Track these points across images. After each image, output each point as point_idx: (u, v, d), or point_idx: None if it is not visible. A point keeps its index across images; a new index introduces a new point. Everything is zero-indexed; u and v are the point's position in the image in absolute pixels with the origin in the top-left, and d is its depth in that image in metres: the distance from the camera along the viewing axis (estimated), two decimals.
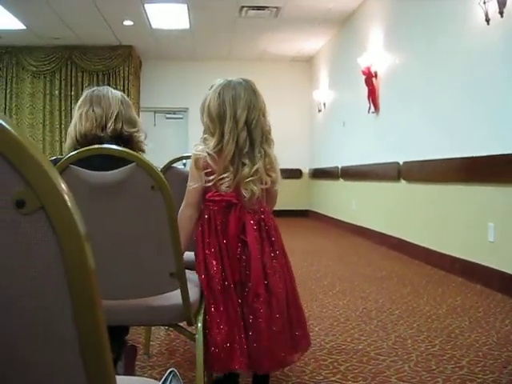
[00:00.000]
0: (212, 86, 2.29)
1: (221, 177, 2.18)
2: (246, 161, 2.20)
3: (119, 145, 2.07)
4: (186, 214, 2.22)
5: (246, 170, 2.19)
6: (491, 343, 3.18)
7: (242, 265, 2.18)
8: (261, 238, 2.22)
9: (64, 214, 0.59)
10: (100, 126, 2.40)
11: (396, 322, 3.62)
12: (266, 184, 2.24)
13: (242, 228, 2.19)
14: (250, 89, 2.27)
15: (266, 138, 2.29)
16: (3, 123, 0.57)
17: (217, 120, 2.20)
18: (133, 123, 2.49)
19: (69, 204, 0.60)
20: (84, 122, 2.43)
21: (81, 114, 2.45)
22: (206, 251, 2.17)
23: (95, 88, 2.56)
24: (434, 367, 2.80)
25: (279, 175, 2.33)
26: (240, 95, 2.21)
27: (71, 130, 2.47)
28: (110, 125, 2.40)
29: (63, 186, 0.60)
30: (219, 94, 2.22)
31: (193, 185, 2.21)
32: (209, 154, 2.18)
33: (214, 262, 2.14)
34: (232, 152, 2.18)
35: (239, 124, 2.18)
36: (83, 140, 2.40)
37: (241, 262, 2.18)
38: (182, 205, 2.24)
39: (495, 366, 2.81)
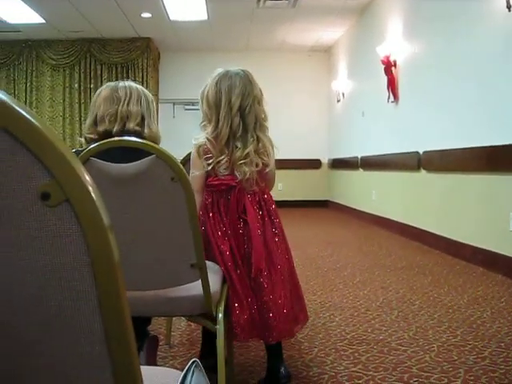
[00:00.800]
0: (212, 76, 2.47)
1: (218, 160, 2.33)
2: (239, 144, 2.35)
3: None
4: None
5: (238, 153, 2.33)
6: None
7: (245, 243, 2.35)
8: (262, 217, 2.40)
9: (89, 206, 0.60)
10: (120, 124, 2.43)
11: (417, 313, 3.61)
12: (257, 166, 2.36)
13: (242, 209, 2.35)
14: (245, 78, 2.42)
15: (260, 124, 2.41)
16: (29, 117, 0.57)
17: (213, 107, 2.36)
18: (154, 129, 2.54)
19: (93, 196, 0.60)
20: (104, 119, 2.45)
21: (101, 111, 2.47)
22: (217, 233, 2.34)
23: (119, 84, 2.57)
24: (456, 358, 2.79)
25: (272, 159, 2.43)
26: (235, 84, 2.37)
27: (88, 127, 2.50)
28: (131, 125, 2.44)
29: (88, 178, 0.60)
30: (216, 83, 2.39)
31: (195, 172, 2.37)
32: (208, 139, 2.34)
33: (224, 242, 2.32)
34: (227, 136, 2.33)
35: (233, 110, 2.33)
36: (103, 138, 2.41)
37: (244, 240, 2.35)
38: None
39: None
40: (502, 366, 2.66)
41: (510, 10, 4.60)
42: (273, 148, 2.46)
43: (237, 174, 2.35)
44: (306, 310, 2.63)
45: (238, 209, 2.35)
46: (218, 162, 2.34)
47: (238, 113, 2.35)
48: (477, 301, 3.89)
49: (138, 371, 0.68)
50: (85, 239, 0.60)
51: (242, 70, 2.46)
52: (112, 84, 2.57)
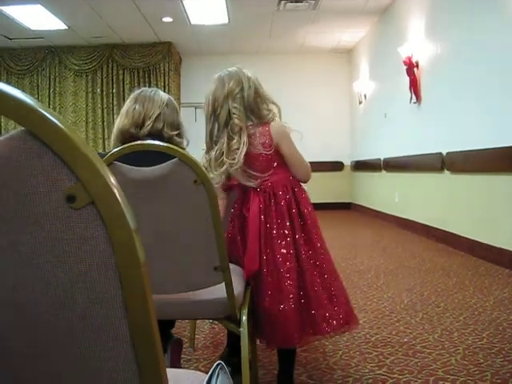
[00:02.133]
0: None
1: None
2: (215, 146, 2.34)
3: None
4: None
5: (212, 154, 2.33)
6: None
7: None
8: (267, 214, 2.30)
9: (114, 209, 0.60)
10: (137, 124, 2.44)
11: (442, 315, 3.57)
12: (231, 166, 2.29)
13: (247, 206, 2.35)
14: (218, 80, 2.35)
15: (232, 122, 2.31)
16: (55, 121, 0.57)
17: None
18: (175, 126, 2.53)
19: (119, 198, 0.60)
20: (123, 119, 2.48)
21: (122, 112, 2.51)
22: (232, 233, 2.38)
23: (145, 88, 2.61)
24: (482, 361, 2.75)
25: (238, 158, 2.27)
26: (210, 90, 2.37)
27: (114, 129, 2.53)
28: (148, 123, 2.43)
29: (113, 180, 0.60)
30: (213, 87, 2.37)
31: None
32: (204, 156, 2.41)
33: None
34: (209, 145, 2.37)
35: (209, 118, 2.38)
36: (122, 137, 2.45)
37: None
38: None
39: None
40: None
41: None
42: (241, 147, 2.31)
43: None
44: (341, 316, 2.30)
45: (243, 207, 2.36)
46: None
47: (211, 118, 2.36)
48: (503, 303, 3.84)
49: (163, 374, 0.68)
50: (110, 241, 0.60)
51: (226, 70, 2.41)
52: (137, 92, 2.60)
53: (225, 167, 2.27)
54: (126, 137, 2.44)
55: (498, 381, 2.50)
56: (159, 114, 2.46)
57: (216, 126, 2.32)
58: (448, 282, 4.56)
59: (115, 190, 0.60)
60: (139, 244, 0.62)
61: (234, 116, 2.28)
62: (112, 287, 0.62)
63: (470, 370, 2.62)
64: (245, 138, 2.26)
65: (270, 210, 2.29)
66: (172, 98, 2.63)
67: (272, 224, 2.28)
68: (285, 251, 2.24)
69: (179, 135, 2.54)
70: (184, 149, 2.52)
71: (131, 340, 0.64)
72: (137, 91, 2.59)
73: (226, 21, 9.44)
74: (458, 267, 5.17)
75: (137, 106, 2.47)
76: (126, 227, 0.60)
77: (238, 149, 2.25)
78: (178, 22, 9.49)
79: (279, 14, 9.04)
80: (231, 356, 2.52)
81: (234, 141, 2.27)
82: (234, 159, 2.24)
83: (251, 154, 2.28)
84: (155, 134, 2.43)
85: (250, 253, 2.23)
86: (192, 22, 9.48)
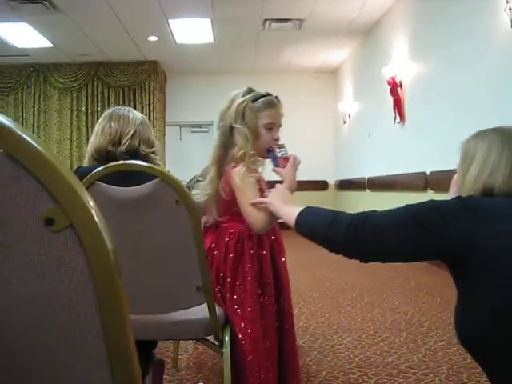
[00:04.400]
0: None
1: None
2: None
3: None
4: None
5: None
6: None
7: None
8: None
9: (93, 231, 0.60)
10: (114, 142, 2.43)
11: (426, 334, 3.58)
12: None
13: None
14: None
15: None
16: (34, 143, 0.57)
17: None
18: (150, 144, 2.53)
19: (97, 221, 0.60)
20: (99, 137, 2.47)
21: (97, 130, 2.51)
22: None
23: (117, 107, 2.62)
24: (466, 380, 2.76)
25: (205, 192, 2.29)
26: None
27: (88, 147, 2.52)
28: (125, 141, 2.43)
29: (91, 203, 0.60)
30: None
31: None
32: None
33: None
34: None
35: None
36: (98, 156, 2.44)
37: None
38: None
39: None
40: None
41: None
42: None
43: None
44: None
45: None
46: None
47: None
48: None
49: None
50: (88, 264, 0.60)
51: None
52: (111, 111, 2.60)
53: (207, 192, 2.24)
54: (102, 155, 2.44)
55: None
56: (135, 132, 2.47)
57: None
58: (432, 301, 4.57)
59: (93, 213, 0.60)
60: (117, 266, 0.61)
61: (215, 144, 2.29)
62: (90, 309, 0.62)
63: None
64: (213, 171, 2.24)
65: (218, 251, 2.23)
66: (145, 118, 2.64)
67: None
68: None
69: (154, 153, 2.54)
70: (159, 165, 2.52)
71: (108, 362, 0.64)
72: (109, 110, 2.59)
73: (212, 40, 9.49)
74: (442, 286, 5.18)
75: (112, 124, 2.47)
76: (104, 250, 0.60)
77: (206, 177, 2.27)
78: (164, 41, 9.53)
79: (264, 33, 9.11)
80: None
81: (208, 167, 2.30)
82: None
83: (219, 191, 2.22)
84: (132, 152, 2.43)
85: None
86: (177, 41, 9.52)
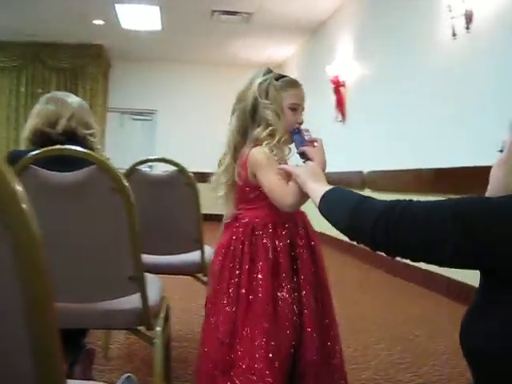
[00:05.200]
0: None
1: None
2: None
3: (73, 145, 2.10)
4: None
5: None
6: (450, 352, 3.22)
7: None
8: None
9: (18, 216, 0.59)
10: (50, 123, 2.40)
11: (356, 330, 3.64)
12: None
13: None
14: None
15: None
16: None
17: None
18: (89, 127, 2.50)
19: (23, 206, 0.59)
20: (35, 119, 2.44)
21: (34, 113, 2.47)
22: None
23: (56, 92, 2.61)
24: (393, 375, 2.83)
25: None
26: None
27: (25, 130, 2.48)
28: (62, 122, 2.40)
29: (19, 187, 0.59)
30: None
31: None
32: None
33: None
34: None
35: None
36: (34, 137, 2.40)
37: None
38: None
39: (453, 375, 2.85)
40: None
41: (454, 38, 4.74)
42: None
43: None
44: None
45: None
46: None
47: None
48: (414, 320, 3.95)
49: None
50: (13, 249, 0.59)
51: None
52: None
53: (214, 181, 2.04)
54: (37, 137, 2.40)
55: None
56: (72, 114, 2.44)
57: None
58: (363, 297, 4.66)
59: (19, 198, 0.58)
60: (43, 253, 0.60)
61: (229, 129, 2.03)
62: (13, 296, 0.61)
63: None
64: (228, 158, 1.99)
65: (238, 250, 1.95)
66: (84, 102, 2.61)
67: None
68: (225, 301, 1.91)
69: (93, 135, 2.51)
70: (98, 149, 2.49)
71: (32, 351, 0.63)
72: (47, 95, 2.58)
73: (159, 28, 9.38)
74: (373, 283, 5.30)
75: (49, 106, 2.44)
76: (30, 235, 0.59)
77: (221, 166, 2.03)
78: (110, 25, 9.35)
79: (213, 24, 9.06)
80: None
81: (223, 155, 2.05)
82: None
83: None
84: (69, 133, 2.40)
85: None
86: (124, 26, 9.36)
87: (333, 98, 7.97)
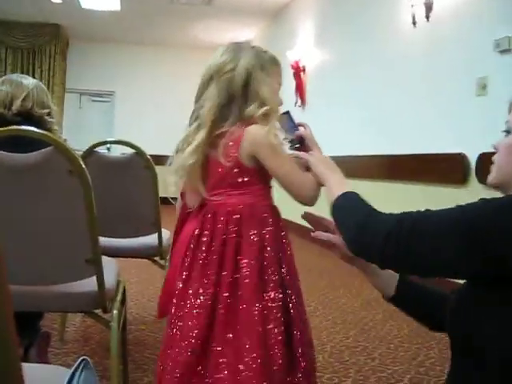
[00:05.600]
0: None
1: None
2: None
3: (30, 125, 2.07)
4: None
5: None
6: (402, 336, 3.29)
7: None
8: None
9: None
10: (5, 104, 2.38)
11: (312, 314, 3.69)
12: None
13: None
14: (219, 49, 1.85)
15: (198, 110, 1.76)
16: None
17: None
18: (45, 107, 2.48)
19: None
20: None
21: None
22: None
23: (11, 74, 2.59)
24: (347, 358, 2.88)
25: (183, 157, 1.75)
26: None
27: None
28: (17, 102, 2.38)
29: None
30: None
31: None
32: None
33: None
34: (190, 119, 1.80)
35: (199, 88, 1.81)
36: None
37: None
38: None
39: (405, 358, 2.92)
40: (390, 367, 2.78)
41: (414, 26, 4.80)
42: None
43: None
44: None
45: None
46: None
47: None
48: (370, 304, 4.02)
49: (18, 372, 0.65)
50: None
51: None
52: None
53: (179, 162, 1.72)
54: None
55: (361, 377, 2.63)
56: (28, 94, 2.42)
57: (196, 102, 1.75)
58: (320, 282, 4.72)
59: None
60: None
61: (206, 102, 1.70)
62: None
63: (335, 368, 2.75)
64: (202, 134, 1.67)
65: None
66: (41, 83, 2.58)
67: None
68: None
69: (50, 115, 2.48)
70: (56, 130, 2.47)
71: None
72: (2, 78, 2.56)
73: (118, 8, 9.23)
74: (331, 267, 5.34)
75: (3, 88, 2.41)
76: None
77: (188, 144, 1.69)
78: (68, 4, 9.16)
79: (173, 6, 8.96)
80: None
81: (191, 131, 1.72)
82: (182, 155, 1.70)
83: (209, 159, 1.70)
84: (24, 113, 2.38)
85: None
86: (83, 6, 9.19)
87: (293, 84, 7.99)
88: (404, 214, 1.20)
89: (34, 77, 2.62)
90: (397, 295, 1.51)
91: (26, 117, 2.36)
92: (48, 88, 10.11)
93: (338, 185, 1.50)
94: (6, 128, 1.71)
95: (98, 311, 2.01)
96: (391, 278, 1.52)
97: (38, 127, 1.89)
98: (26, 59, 10.87)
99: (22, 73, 10.18)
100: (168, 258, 2.96)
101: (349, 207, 1.37)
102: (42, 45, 10.82)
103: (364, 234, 1.22)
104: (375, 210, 1.27)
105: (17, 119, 2.32)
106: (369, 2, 5.91)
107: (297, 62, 7.81)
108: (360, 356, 2.92)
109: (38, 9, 9.61)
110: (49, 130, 2.40)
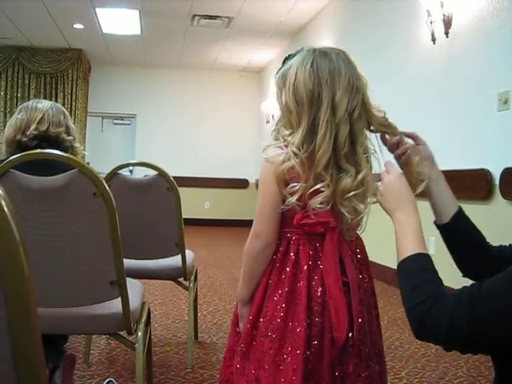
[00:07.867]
0: (291, 56, 1.68)
1: (313, 189, 1.48)
2: (347, 166, 1.51)
3: (47, 147, 2.11)
4: (256, 247, 1.60)
5: (348, 179, 1.49)
6: (429, 355, 3.24)
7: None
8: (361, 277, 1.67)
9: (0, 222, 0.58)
10: (21, 131, 2.42)
11: None
12: (373, 199, 1.52)
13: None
14: (349, 63, 1.65)
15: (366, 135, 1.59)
16: None
17: (307, 103, 1.50)
18: (60, 125, 2.50)
19: (5, 209, 0.58)
20: (8, 130, 2.47)
21: (7, 125, 2.51)
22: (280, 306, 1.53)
23: (27, 102, 2.63)
24: None
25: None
26: (340, 70, 1.57)
27: (3, 142, 2.51)
28: (32, 127, 2.41)
29: (0, 191, 0.59)
30: (312, 64, 1.56)
31: (269, 207, 1.55)
32: (295, 155, 1.48)
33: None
34: (329, 153, 1.47)
35: (339, 112, 1.50)
36: (9, 148, 2.44)
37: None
38: (250, 235, 1.63)
39: (433, 378, 2.88)
40: None
41: (434, 43, 4.79)
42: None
43: (345, 212, 1.50)
44: None
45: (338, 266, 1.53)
46: (314, 192, 1.48)
47: (345, 117, 1.50)
48: (396, 323, 3.98)
49: None
50: None
51: (338, 49, 1.71)
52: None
53: (360, 203, 1.54)
54: (11, 146, 2.42)
55: None
56: (42, 116, 2.45)
57: (347, 129, 1.51)
58: None
59: (2, 201, 0.58)
60: (24, 258, 0.60)
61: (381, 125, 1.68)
62: None
63: None
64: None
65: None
66: (59, 104, 2.62)
67: None
68: None
69: (68, 133, 2.50)
70: (77, 147, 2.50)
71: (13, 358, 0.62)
72: (20, 106, 2.60)
73: (139, 32, 9.35)
74: None
75: (19, 116, 2.46)
76: (11, 240, 0.59)
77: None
78: (90, 30, 9.31)
79: (193, 29, 9.05)
80: None
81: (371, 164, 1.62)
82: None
83: None
84: (40, 136, 2.41)
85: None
86: (104, 31, 9.33)
87: None
88: (462, 288, 1.17)
89: (56, 101, 2.66)
90: (451, 224, 1.54)
91: (42, 139, 2.40)
92: (70, 112, 10.25)
93: (409, 236, 1.34)
94: (32, 152, 1.73)
95: (123, 333, 2.01)
96: (451, 207, 1.55)
97: (55, 147, 1.91)
98: (49, 84, 11.02)
99: (45, 97, 10.34)
100: (193, 278, 2.96)
101: (415, 281, 1.29)
102: (65, 69, 10.97)
103: (428, 320, 1.22)
104: (440, 290, 1.23)
105: (32, 144, 2.36)
106: (387, 20, 5.91)
107: None
108: (387, 376, 2.88)
109: (60, 35, 9.77)
110: (67, 147, 2.43)
